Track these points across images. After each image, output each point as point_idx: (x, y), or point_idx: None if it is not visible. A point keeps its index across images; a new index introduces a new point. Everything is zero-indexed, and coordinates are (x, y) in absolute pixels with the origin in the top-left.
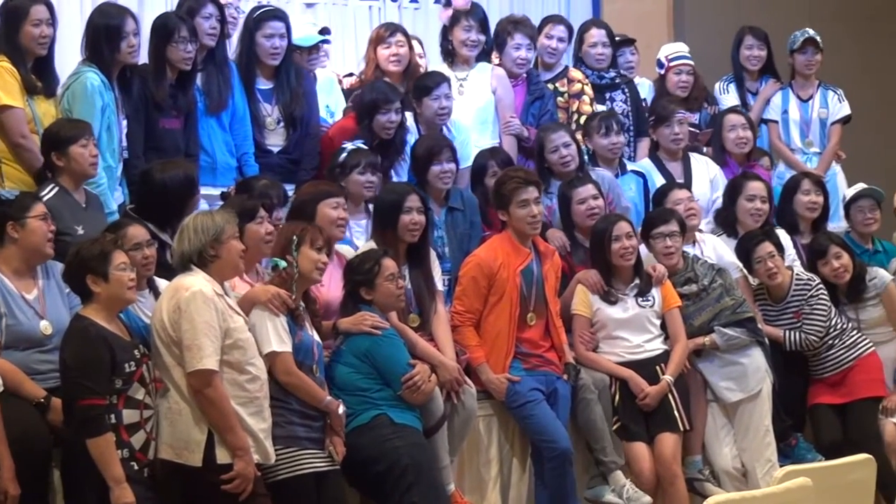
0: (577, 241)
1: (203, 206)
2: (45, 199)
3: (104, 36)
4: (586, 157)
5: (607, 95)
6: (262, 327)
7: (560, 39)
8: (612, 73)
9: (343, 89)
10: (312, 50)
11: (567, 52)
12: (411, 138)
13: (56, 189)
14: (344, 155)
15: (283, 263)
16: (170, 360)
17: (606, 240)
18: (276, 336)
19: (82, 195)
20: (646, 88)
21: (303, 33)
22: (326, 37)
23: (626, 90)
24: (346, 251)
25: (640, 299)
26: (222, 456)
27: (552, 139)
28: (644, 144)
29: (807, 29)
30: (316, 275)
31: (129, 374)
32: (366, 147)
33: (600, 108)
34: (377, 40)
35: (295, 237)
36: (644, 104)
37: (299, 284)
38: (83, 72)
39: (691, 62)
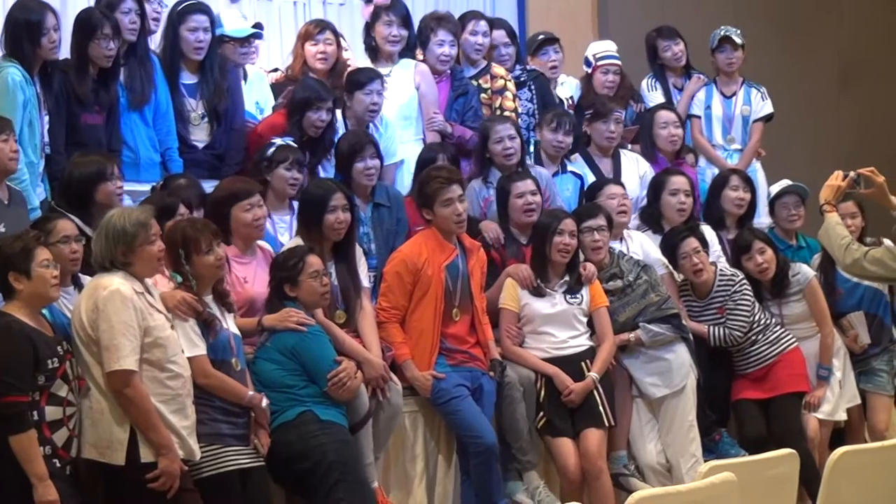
0: (511, 234)
1: (127, 201)
2: None
3: (24, 31)
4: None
5: None
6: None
7: (484, 34)
8: (518, 71)
9: (269, 84)
10: (244, 43)
11: None
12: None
13: None
14: (272, 149)
15: (179, 278)
16: (90, 358)
17: (550, 233)
18: (188, 340)
19: (5, 192)
20: (573, 87)
21: (235, 25)
22: (259, 31)
23: (533, 87)
24: (270, 248)
25: (568, 296)
26: (146, 454)
27: (497, 130)
28: None
29: (723, 27)
30: (217, 272)
31: (52, 371)
32: (294, 144)
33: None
34: (305, 36)
35: (181, 251)
36: (570, 102)
37: (202, 287)
38: (4, 67)
39: (619, 62)
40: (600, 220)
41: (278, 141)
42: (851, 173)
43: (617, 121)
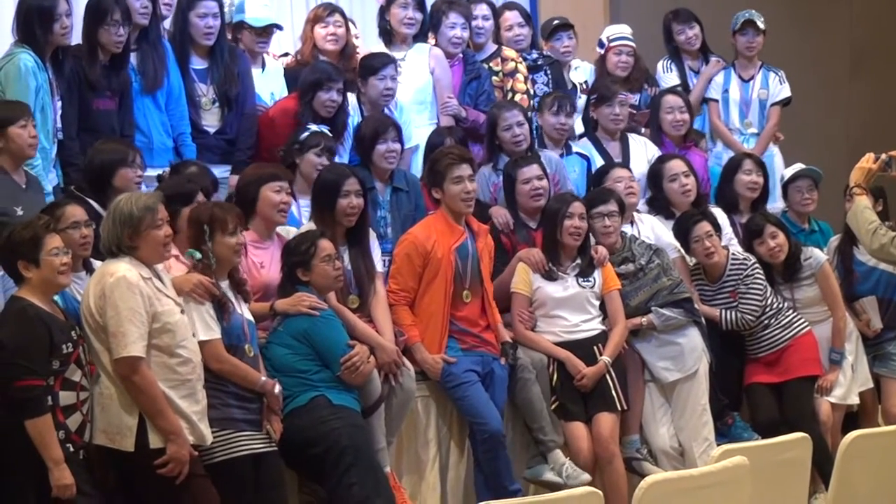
0: (520, 219)
1: (142, 187)
2: None
3: (37, 17)
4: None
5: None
6: (188, 317)
7: (485, 17)
8: (535, 55)
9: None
10: (263, 33)
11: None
12: (354, 119)
13: None
14: (306, 134)
15: (198, 255)
16: (98, 345)
17: (560, 217)
18: (203, 324)
19: (22, 176)
20: (587, 71)
21: (257, 14)
22: (277, 22)
23: (549, 71)
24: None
25: (580, 279)
26: (155, 440)
27: (506, 117)
28: None
29: (748, 10)
30: (235, 258)
31: (66, 356)
32: (329, 133)
33: (543, 87)
34: (315, 19)
35: (206, 227)
36: (584, 86)
37: (219, 270)
38: (16, 53)
39: (632, 43)
40: (611, 206)
41: (313, 127)
42: (883, 155)
43: (622, 103)
